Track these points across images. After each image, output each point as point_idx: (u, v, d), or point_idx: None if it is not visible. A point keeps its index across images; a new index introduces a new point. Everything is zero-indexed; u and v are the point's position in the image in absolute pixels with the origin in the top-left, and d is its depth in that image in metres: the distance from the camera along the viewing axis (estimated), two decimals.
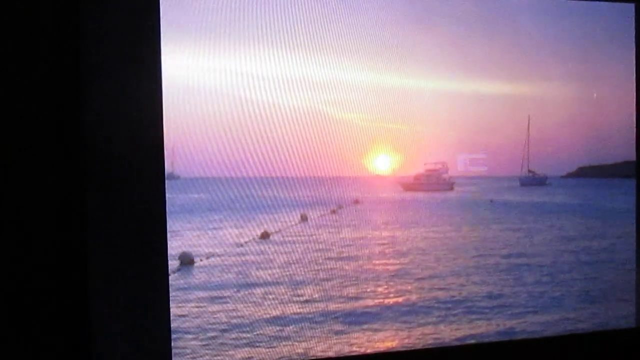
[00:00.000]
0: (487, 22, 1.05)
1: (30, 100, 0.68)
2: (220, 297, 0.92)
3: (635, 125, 1.03)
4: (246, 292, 0.93)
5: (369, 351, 0.97)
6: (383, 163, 1.00)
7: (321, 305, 0.96)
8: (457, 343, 1.02)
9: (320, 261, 0.96)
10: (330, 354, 0.94)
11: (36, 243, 0.69)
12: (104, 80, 0.70)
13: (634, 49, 1.02)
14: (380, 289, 0.99)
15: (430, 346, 1.00)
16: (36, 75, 0.68)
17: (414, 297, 1.00)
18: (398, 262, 1.00)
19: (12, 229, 0.68)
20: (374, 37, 0.97)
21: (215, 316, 0.91)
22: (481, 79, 1.06)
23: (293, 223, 0.94)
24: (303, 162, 0.94)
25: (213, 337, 0.91)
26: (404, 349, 0.96)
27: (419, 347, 0.98)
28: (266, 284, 0.94)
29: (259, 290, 0.94)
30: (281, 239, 0.94)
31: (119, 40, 0.71)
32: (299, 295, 0.95)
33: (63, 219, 0.70)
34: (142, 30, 0.72)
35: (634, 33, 1.02)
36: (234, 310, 0.93)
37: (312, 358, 0.91)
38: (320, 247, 0.96)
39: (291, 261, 0.95)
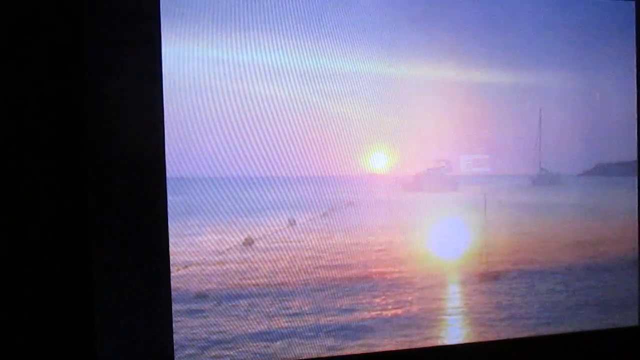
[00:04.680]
0: (490, 17, 1.00)
1: (31, 100, 0.71)
2: (200, 311, 0.86)
3: (636, 125, 1.07)
4: (228, 305, 0.88)
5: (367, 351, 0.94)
6: (380, 161, 0.94)
7: (312, 319, 0.93)
8: (458, 342, 0.99)
9: (310, 270, 0.91)
10: None
11: (38, 245, 0.71)
12: (105, 79, 0.73)
13: (635, 48, 1.07)
14: (377, 300, 0.93)
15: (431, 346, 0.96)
16: (37, 76, 0.71)
17: (414, 309, 0.94)
18: (397, 270, 0.94)
19: (14, 229, 0.70)
20: (375, 25, 0.95)
21: (193, 331, 0.86)
22: (488, 71, 1.01)
23: (280, 228, 0.88)
24: (290, 159, 0.88)
25: (191, 355, 0.85)
26: (403, 349, 0.94)
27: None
28: (250, 295, 0.89)
29: (242, 303, 0.89)
30: (266, 245, 0.89)
31: (120, 39, 0.74)
32: (287, 308, 0.90)
33: (65, 221, 0.73)
34: (143, 28, 0.76)
35: (635, 31, 1.07)
36: (214, 324, 0.88)
37: (311, 358, 0.89)
38: (310, 254, 0.91)
39: (278, 270, 0.90)
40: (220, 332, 0.88)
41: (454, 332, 1.00)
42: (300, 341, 0.91)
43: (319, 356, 0.91)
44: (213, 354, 0.87)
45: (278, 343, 0.90)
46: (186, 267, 0.86)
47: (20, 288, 0.71)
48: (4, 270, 0.71)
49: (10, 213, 0.71)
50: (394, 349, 0.95)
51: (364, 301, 0.95)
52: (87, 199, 0.74)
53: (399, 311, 0.96)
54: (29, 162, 0.71)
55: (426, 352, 0.95)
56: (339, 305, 0.94)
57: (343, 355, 0.92)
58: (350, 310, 0.94)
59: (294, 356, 0.91)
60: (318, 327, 0.92)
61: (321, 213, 0.91)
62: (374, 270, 0.95)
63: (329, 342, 0.93)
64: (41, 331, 0.72)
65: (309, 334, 0.92)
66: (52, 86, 0.72)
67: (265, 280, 0.90)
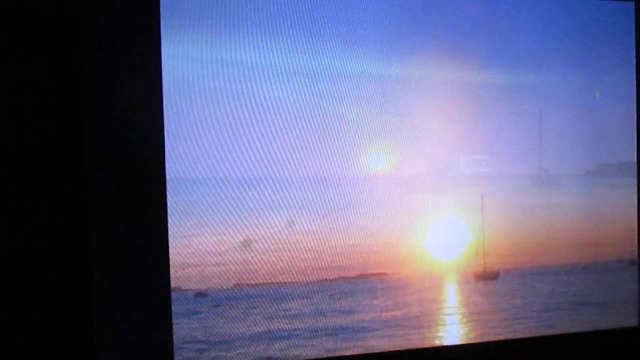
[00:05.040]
0: (490, 18, 0.99)
1: (31, 101, 0.71)
2: (197, 312, 0.85)
3: (635, 125, 1.07)
4: (226, 307, 0.87)
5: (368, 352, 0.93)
6: (379, 161, 0.94)
7: (311, 321, 0.92)
8: (457, 342, 0.98)
9: (309, 271, 0.90)
10: None
11: (38, 246, 0.72)
12: (104, 80, 0.73)
13: (635, 49, 1.07)
14: (376, 302, 0.93)
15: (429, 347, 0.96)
16: (36, 76, 0.71)
17: (414, 310, 0.94)
18: (396, 271, 0.93)
19: (13, 229, 0.70)
20: (375, 25, 0.94)
21: (191, 334, 0.85)
22: (487, 71, 1.01)
23: (278, 229, 0.88)
24: (289, 159, 0.88)
25: (189, 359, 0.84)
26: (403, 350, 0.94)
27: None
28: (249, 297, 0.88)
29: (240, 305, 0.88)
30: (265, 246, 0.88)
31: (120, 40, 0.74)
32: (285, 309, 0.89)
33: (64, 221, 0.73)
34: (143, 29, 0.76)
35: (634, 32, 1.07)
36: (213, 326, 0.87)
37: (311, 358, 0.89)
38: (309, 255, 0.89)
39: (276, 271, 0.89)
40: (218, 334, 0.87)
41: (453, 332, 1.00)
42: (299, 343, 0.91)
43: (318, 357, 0.91)
44: (212, 355, 0.87)
45: (277, 345, 0.90)
46: (185, 268, 0.86)
47: (20, 289, 0.72)
48: (4, 270, 0.71)
49: (10, 213, 0.71)
50: (393, 350, 0.95)
51: (363, 303, 0.95)
52: (87, 199, 0.73)
53: (399, 312, 0.96)
54: (28, 163, 0.71)
55: (426, 352, 0.94)
56: (338, 307, 0.93)
57: (343, 356, 0.92)
58: (349, 312, 0.94)
59: (293, 357, 0.90)
60: (317, 328, 0.92)
61: (320, 214, 0.91)
62: (373, 271, 0.94)
63: (329, 343, 0.92)
64: (41, 332, 0.73)
65: (308, 335, 0.91)
66: (52, 87, 0.72)
67: (264, 281, 0.89)
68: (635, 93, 1.10)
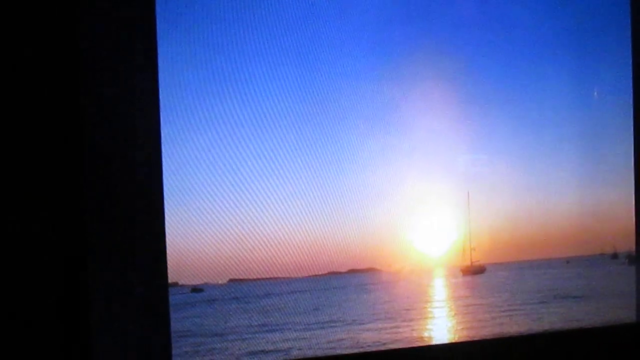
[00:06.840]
0: (488, 18, 1.00)
1: (28, 100, 0.71)
2: (194, 307, 0.87)
3: (632, 122, 1.01)
4: (222, 301, 0.88)
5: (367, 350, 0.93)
6: (372, 158, 0.95)
7: (303, 314, 0.93)
8: (446, 336, 0.98)
9: (302, 267, 0.91)
10: None
11: (36, 245, 0.71)
12: (101, 79, 0.73)
13: (631, 47, 1.02)
14: (366, 296, 0.94)
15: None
16: (34, 75, 0.71)
17: (403, 304, 0.96)
18: (385, 266, 0.95)
19: (11, 229, 0.70)
20: (374, 25, 0.94)
21: (188, 328, 0.88)
22: (486, 71, 1.01)
23: (274, 226, 0.89)
24: (286, 157, 0.89)
25: (186, 352, 0.86)
26: (401, 347, 0.93)
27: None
28: (248, 291, 0.89)
29: (240, 298, 0.89)
30: (261, 243, 0.89)
31: (116, 38, 0.74)
32: (279, 304, 0.90)
33: (62, 220, 0.72)
34: (139, 27, 0.75)
35: (631, 31, 1.02)
36: (209, 320, 0.88)
37: (312, 357, 0.87)
38: (303, 251, 0.91)
39: (271, 267, 0.90)
40: (215, 327, 0.89)
41: (441, 325, 1.02)
42: (291, 335, 0.92)
43: (315, 356, 0.91)
44: (208, 347, 0.89)
45: (270, 337, 0.91)
46: (182, 264, 0.87)
47: (17, 288, 0.71)
48: (1, 269, 0.70)
49: (8, 212, 0.70)
50: (385, 346, 0.96)
51: (353, 297, 0.96)
52: (84, 199, 0.73)
53: (387, 306, 0.98)
54: (26, 164, 0.70)
55: (423, 351, 0.93)
56: (330, 301, 0.95)
57: (341, 355, 0.91)
58: (341, 306, 0.95)
59: (285, 349, 0.92)
60: (309, 321, 0.93)
61: (313, 211, 0.92)
62: (362, 267, 0.96)
63: (320, 336, 0.94)
64: (38, 331, 0.72)
65: (301, 328, 0.92)
66: (50, 89, 0.72)
67: (263, 275, 0.90)
68: (632, 90, 1.07)
